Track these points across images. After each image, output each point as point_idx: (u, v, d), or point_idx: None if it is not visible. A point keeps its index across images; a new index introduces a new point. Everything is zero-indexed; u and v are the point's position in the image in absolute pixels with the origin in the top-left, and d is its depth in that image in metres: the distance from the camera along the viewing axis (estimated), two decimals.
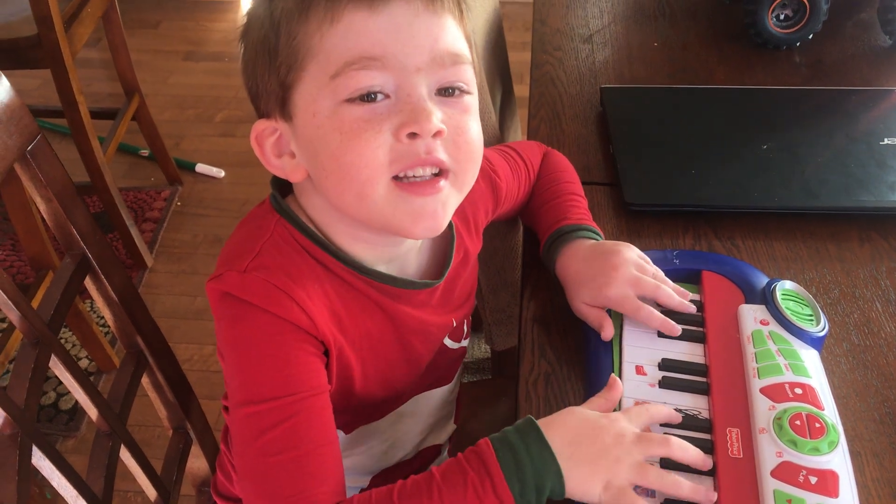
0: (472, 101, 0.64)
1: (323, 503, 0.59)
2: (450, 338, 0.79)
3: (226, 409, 0.80)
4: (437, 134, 0.60)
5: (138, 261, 2.04)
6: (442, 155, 0.62)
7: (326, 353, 0.65)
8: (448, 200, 0.64)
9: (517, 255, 1.14)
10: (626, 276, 0.74)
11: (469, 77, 0.63)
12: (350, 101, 0.60)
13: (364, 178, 0.61)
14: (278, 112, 0.64)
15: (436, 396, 0.83)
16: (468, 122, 0.63)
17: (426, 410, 0.83)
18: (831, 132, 1.02)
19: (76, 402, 1.70)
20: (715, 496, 0.60)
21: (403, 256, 0.72)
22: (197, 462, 1.05)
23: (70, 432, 1.67)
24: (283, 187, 0.70)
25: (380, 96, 0.60)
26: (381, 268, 0.69)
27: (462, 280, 0.78)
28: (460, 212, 0.76)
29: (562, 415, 0.62)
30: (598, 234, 0.82)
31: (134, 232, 2.00)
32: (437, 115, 0.60)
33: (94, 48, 2.85)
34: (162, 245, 2.15)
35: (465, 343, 0.82)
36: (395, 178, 0.62)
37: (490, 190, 0.82)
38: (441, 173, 0.63)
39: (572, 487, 0.58)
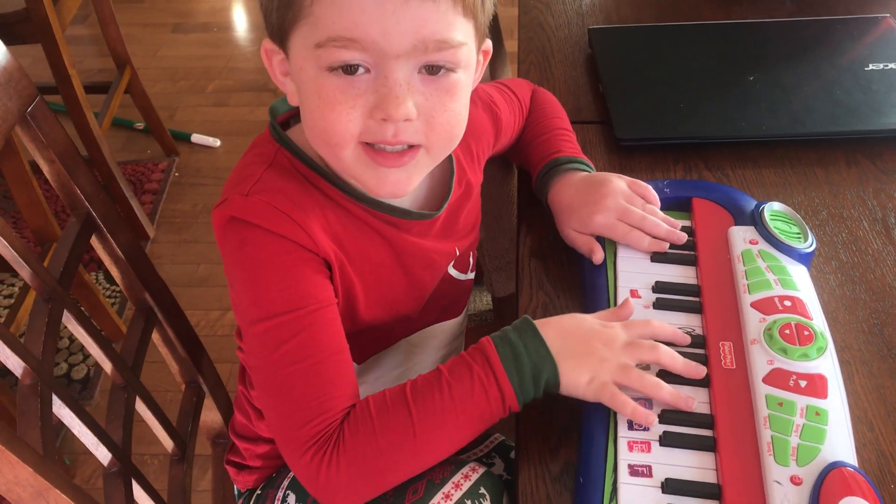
0: (460, 78, 0.64)
1: (340, 405, 0.63)
2: (455, 268, 0.81)
3: (240, 349, 0.83)
4: (407, 120, 0.62)
5: (140, 232, 2.06)
6: (410, 136, 0.63)
7: (330, 270, 0.68)
8: (415, 170, 0.66)
9: (513, 202, 1.16)
10: (614, 206, 0.77)
11: (459, 58, 0.62)
12: (331, 70, 0.61)
13: (335, 142, 0.64)
14: (279, 42, 0.66)
15: (445, 330, 0.86)
16: (448, 102, 0.63)
17: (436, 343, 0.86)
18: (816, 61, 1.04)
19: (88, 371, 1.74)
20: (693, 402, 0.63)
21: None
22: (210, 415, 1.08)
23: (84, 401, 1.70)
24: (292, 111, 0.73)
25: (360, 69, 0.61)
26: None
27: (465, 211, 0.80)
28: (464, 145, 0.77)
29: (561, 317, 0.66)
30: (590, 167, 0.84)
31: (134, 204, 2.01)
32: (410, 102, 0.61)
33: (81, 25, 2.84)
34: (162, 216, 2.16)
35: (471, 276, 0.85)
36: (366, 143, 0.63)
37: (492, 123, 0.84)
38: (413, 147, 0.64)
39: (563, 381, 0.63)
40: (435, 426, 0.61)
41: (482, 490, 0.71)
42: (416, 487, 0.70)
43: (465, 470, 0.72)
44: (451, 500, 0.70)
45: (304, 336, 0.63)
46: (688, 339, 0.68)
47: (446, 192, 0.77)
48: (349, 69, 0.61)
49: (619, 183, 0.79)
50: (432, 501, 0.69)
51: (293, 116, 0.74)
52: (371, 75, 0.61)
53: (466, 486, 0.71)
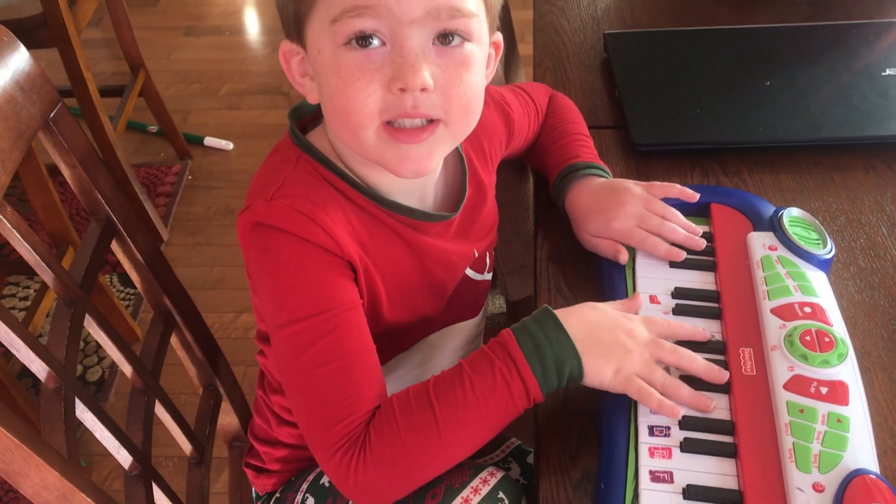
0: (473, 50, 0.65)
1: (367, 406, 0.63)
2: (472, 269, 0.81)
3: (261, 352, 0.84)
4: (425, 89, 0.62)
5: (154, 235, 2.07)
6: (429, 109, 0.63)
7: (354, 272, 0.68)
8: (436, 146, 0.66)
9: (527, 206, 1.16)
10: (632, 212, 0.78)
11: (472, 28, 0.64)
12: (347, 45, 0.62)
13: (355, 122, 0.64)
14: (296, 37, 0.67)
15: (464, 329, 0.86)
16: (464, 74, 0.64)
17: (454, 344, 0.86)
18: (833, 66, 1.04)
19: (103, 373, 1.75)
20: (713, 403, 0.63)
21: (423, 186, 0.75)
22: (227, 418, 1.08)
23: (99, 403, 1.71)
24: (310, 116, 0.74)
25: (375, 41, 0.62)
26: (401, 196, 0.72)
27: (482, 213, 0.80)
28: (476, 144, 0.78)
29: (580, 306, 0.67)
30: (607, 173, 0.84)
31: (148, 206, 2.02)
32: (426, 70, 0.62)
33: (95, 28, 2.86)
34: (176, 218, 2.17)
35: (488, 276, 0.85)
36: (387, 122, 0.64)
37: (504, 122, 0.84)
38: (432, 122, 0.65)
39: (588, 371, 0.63)
40: (459, 422, 0.62)
41: (500, 495, 0.71)
42: (436, 492, 0.71)
43: (483, 475, 0.72)
44: None
45: (330, 339, 0.64)
46: (708, 335, 0.68)
47: (460, 193, 0.77)
48: (364, 42, 0.61)
49: (638, 190, 0.80)
50: None
51: (310, 122, 0.75)
52: (387, 48, 0.62)
53: (485, 490, 0.71)
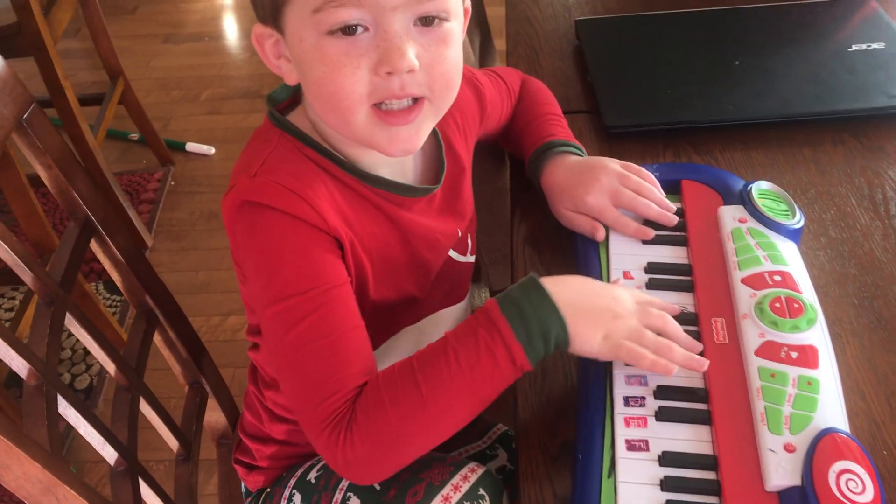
0: (452, 27, 0.66)
1: (354, 382, 0.63)
2: (455, 250, 0.82)
3: (253, 347, 0.84)
4: (411, 71, 0.63)
5: (138, 241, 2.07)
6: (416, 88, 0.65)
7: (341, 249, 0.68)
8: (423, 124, 0.68)
9: (506, 194, 1.17)
10: (606, 187, 0.78)
11: (450, 6, 0.65)
12: (331, 33, 0.63)
13: (345, 107, 0.65)
14: (272, 23, 0.67)
15: (451, 315, 0.87)
16: (445, 51, 0.66)
17: (443, 330, 0.86)
18: (801, 44, 1.05)
19: (91, 380, 1.75)
20: (706, 363, 0.64)
21: (402, 162, 0.75)
22: (214, 415, 1.09)
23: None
24: (286, 101, 0.75)
25: (359, 29, 0.63)
26: (384, 171, 0.73)
27: (463, 188, 0.81)
28: (450, 119, 0.79)
29: (566, 276, 0.67)
30: (582, 151, 0.86)
31: (132, 214, 2.02)
32: (412, 52, 0.63)
33: (73, 38, 2.85)
34: (160, 225, 2.17)
35: (471, 258, 0.86)
36: (375, 104, 0.65)
37: (476, 99, 0.85)
38: (418, 100, 0.66)
39: (575, 338, 0.63)
40: (444, 394, 0.61)
41: (481, 491, 0.71)
42: (416, 490, 0.71)
43: (463, 471, 0.72)
44: (449, 502, 0.70)
45: (317, 315, 0.64)
46: (678, 309, 0.69)
47: (439, 168, 0.78)
48: (349, 30, 0.62)
49: (614, 165, 0.81)
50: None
51: (289, 106, 0.76)
52: (370, 33, 0.63)
53: (465, 487, 0.71)
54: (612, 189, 0.79)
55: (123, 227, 0.92)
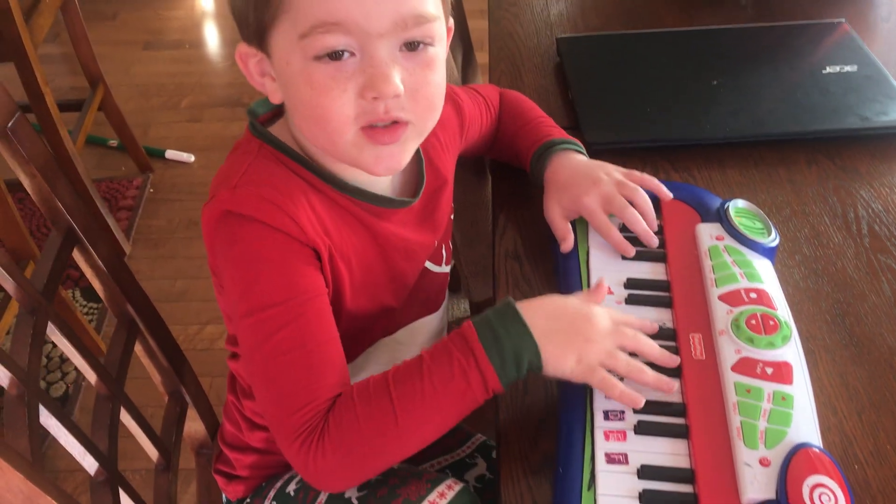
0: (437, 51, 0.68)
1: (329, 394, 0.64)
2: (431, 261, 0.83)
3: (232, 356, 0.84)
4: (397, 96, 0.65)
5: (116, 248, 2.06)
6: (400, 112, 0.66)
7: (319, 260, 0.69)
8: (407, 144, 0.70)
9: (488, 207, 1.18)
10: (602, 191, 0.81)
11: (434, 32, 0.67)
12: (318, 58, 0.64)
13: (332, 128, 0.66)
14: (256, 43, 0.68)
15: (427, 327, 0.88)
16: (429, 76, 0.67)
17: (420, 341, 0.87)
18: (776, 65, 1.07)
19: (67, 388, 1.73)
20: (675, 384, 0.65)
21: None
22: (194, 425, 1.08)
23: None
24: (267, 115, 0.76)
25: (346, 54, 0.64)
26: (363, 183, 0.74)
27: (442, 201, 0.83)
28: (433, 138, 0.80)
29: (543, 298, 0.68)
30: (582, 149, 0.88)
31: (110, 221, 2.01)
32: (397, 77, 0.64)
33: (53, 43, 2.83)
34: (138, 232, 2.16)
35: (446, 269, 0.87)
36: (363, 126, 0.66)
37: (455, 112, 0.87)
38: (402, 121, 0.68)
39: (548, 361, 0.64)
40: (416, 412, 0.63)
41: None
42: None
43: (441, 487, 0.73)
44: None
45: (293, 327, 0.65)
46: (656, 327, 0.70)
47: (418, 181, 0.80)
48: (335, 55, 0.63)
49: (616, 173, 0.83)
50: None
51: (270, 119, 0.76)
52: (357, 58, 0.64)
53: (442, 503, 0.72)
54: (607, 195, 0.80)
55: (104, 235, 0.92)
